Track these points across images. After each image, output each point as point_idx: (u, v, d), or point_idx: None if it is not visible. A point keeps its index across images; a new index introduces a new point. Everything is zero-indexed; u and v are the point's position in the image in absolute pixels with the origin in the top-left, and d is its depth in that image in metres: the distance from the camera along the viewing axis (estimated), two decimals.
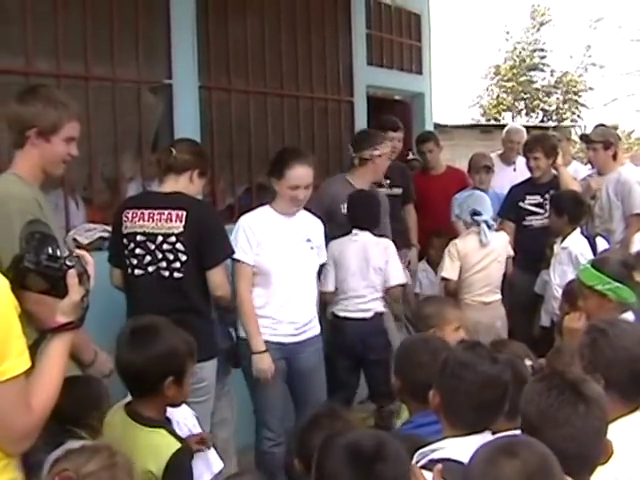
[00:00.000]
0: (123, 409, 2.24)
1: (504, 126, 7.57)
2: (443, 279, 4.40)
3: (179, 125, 4.19)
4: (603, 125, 5.94)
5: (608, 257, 3.15)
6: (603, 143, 5.17)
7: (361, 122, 5.79)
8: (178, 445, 2.15)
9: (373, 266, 4.06)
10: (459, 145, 9.26)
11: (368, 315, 4.04)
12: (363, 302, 4.04)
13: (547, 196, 4.84)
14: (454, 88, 27.13)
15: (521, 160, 5.89)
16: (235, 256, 3.30)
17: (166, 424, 2.23)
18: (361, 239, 4.06)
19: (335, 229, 4.08)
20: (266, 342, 3.33)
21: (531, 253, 4.69)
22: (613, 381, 1.97)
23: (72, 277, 1.65)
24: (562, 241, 4.41)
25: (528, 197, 4.94)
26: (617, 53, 24.04)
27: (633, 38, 18.53)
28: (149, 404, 2.20)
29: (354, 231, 4.06)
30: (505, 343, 2.68)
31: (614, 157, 5.21)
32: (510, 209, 5.04)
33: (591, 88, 24.66)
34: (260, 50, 4.88)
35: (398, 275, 4.12)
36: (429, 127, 6.75)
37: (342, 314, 4.06)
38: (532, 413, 1.69)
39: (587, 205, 4.59)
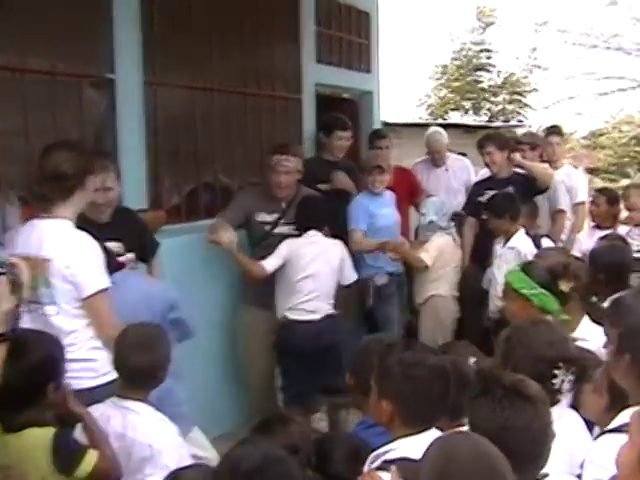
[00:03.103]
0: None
1: (452, 125, 7.68)
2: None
3: (122, 121, 4.09)
4: (532, 133, 6.28)
5: (537, 263, 3.27)
6: (530, 144, 5.60)
7: (309, 121, 5.78)
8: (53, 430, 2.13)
9: (332, 267, 4.26)
10: (407, 144, 9.31)
11: (318, 316, 4.18)
12: (317, 303, 4.18)
13: (505, 191, 4.98)
14: (402, 87, 27.45)
15: (453, 159, 6.06)
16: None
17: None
18: (319, 240, 4.24)
19: (254, 239, 4.45)
20: None
21: (484, 248, 4.85)
22: None
23: (1, 285, 1.59)
24: (507, 241, 4.55)
25: (487, 192, 5.09)
26: (560, 56, 24.78)
27: (575, 42, 19.09)
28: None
29: (311, 232, 4.16)
30: (452, 344, 2.76)
31: (541, 158, 5.62)
32: (472, 204, 5.21)
33: (535, 89, 25.27)
34: (207, 46, 4.80)
35: (352, 274, 4.41)
36: (377, 126, 6.78)
37: (295, 317, 4.17)
38: (492, 428, 1.70)
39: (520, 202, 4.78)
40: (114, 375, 2.56)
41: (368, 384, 2.13)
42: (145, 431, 2.39)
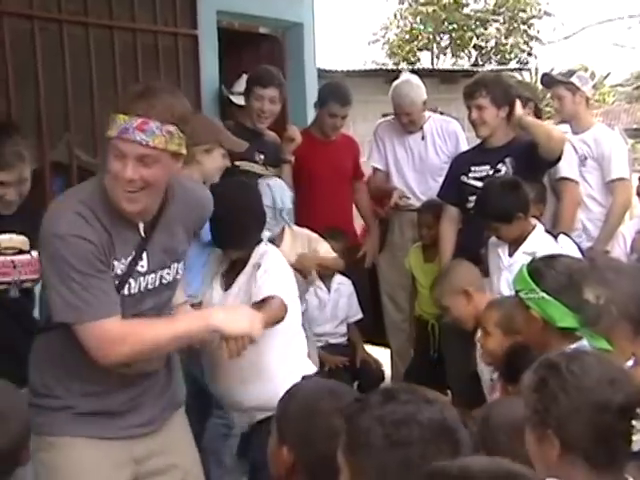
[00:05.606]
0: None
1: (422, 72, 7.85)
2: None
3: None
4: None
5: (556, 260, 3.32)
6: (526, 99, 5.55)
7: (210, 67, 5.91)
8: None
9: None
10: (354, 100, 9.53)
11: None
12: None
13: (501, 167, 5.05)
14: (346, 17, 27.67)
15: (436, 121, 6.19)
16: None
17: None
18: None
19: None
20: None
21: (473, 250, 4.85)
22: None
23: None
24: (519, 244, 4.56)
25: (473, 169, 5.15)
26: None
27: None
28: None
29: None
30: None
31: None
32: (451, 187, 5.30)
33: (547, 13, 25.61)
34: None
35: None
36: (311, 74, 6.95)
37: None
38: None
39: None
40: None
41: (319, 459, 2.12)
42: None
